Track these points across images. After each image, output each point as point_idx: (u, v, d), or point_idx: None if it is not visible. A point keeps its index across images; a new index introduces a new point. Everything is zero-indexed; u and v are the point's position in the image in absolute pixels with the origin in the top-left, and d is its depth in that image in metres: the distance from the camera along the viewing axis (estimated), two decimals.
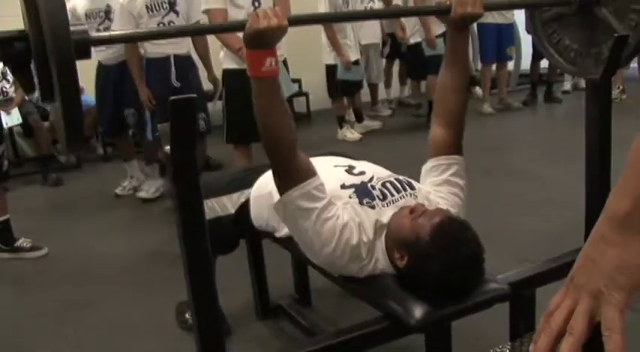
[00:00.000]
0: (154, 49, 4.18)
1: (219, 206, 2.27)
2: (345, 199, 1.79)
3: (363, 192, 1.82)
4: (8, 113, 5.60)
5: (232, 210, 2.24)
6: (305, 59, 6.89)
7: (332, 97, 6.41)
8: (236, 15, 3.60)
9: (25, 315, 3.01)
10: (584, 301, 0.76)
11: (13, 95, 5.75)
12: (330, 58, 6.16)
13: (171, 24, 4.15)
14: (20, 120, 5.82)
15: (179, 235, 1.41)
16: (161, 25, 4.13)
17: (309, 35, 6.72)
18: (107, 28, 4.32)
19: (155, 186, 4.77)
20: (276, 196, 1.97)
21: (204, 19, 4.16)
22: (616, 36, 1.80)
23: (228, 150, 4.12)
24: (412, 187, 1.88)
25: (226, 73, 3.80)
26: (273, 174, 1.77)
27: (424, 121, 6.43)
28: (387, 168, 2.05)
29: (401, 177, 1.93)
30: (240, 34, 3.46)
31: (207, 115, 4.40)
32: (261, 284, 2.68)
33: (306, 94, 7.71)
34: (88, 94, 5.56)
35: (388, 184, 1.87)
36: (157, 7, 4.14)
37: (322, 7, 5.97)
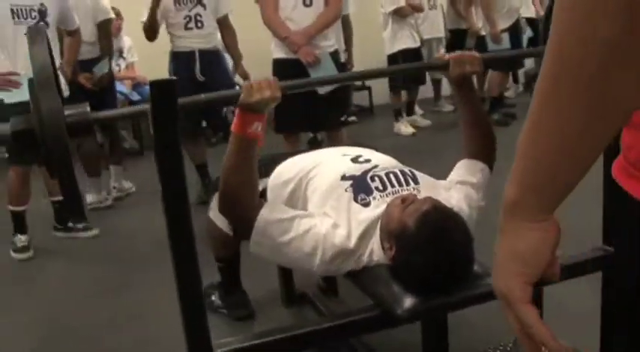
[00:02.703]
0: (180, 42, 4.15)
1: None
2: (340, 191, 1.80)
3: (360, 187, 1.82)
4: None
5: None
6: (368, 53, 6.90)
7: (392, 90, 6.37)
8: (285, 4, 3.67)
9: (65, 293, 3.16)
10: (503, 306, 0.75)
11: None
12: (393, 47, 6.12)
13: (198, 16, 4.10)
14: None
15: (165, 216, 1.44)
16: (187, 18, 4.08)
17: (370, 29, 6.74)
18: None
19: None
20: (291, 186, 2.00)
21: (232, 12, 4.25)
22: None
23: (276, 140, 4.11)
24: (416, 181, 1.86)
25: (275, 62, 3.85)
26: (230, 223, 1.85)
27: None
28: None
29: (406, 170, 1.91)
30: (288, 23, 3.63)
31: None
32: (285, 271, 2.69)
33: (368, 88, 7.70)
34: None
35: (391, 175, 1.86)
36: (185, 1, 4.08)
37: None
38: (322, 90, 3.67)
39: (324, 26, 3.71)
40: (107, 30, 4.59)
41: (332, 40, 3.86)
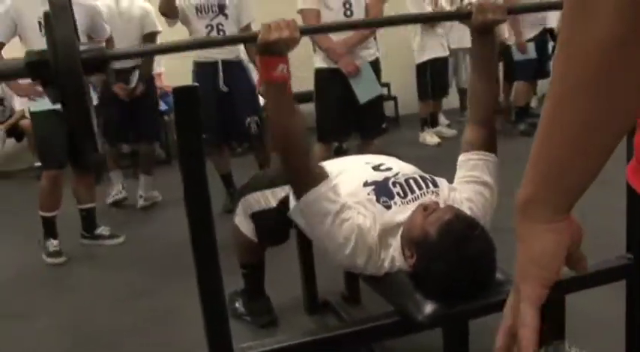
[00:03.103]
0: (202, 53, 4.05)
1: (264, 199, 2.34)
2: (363, 196, 1.82)
3: (382, 191, 1.84)
4: None
5: (274, 204, 2.31)
6: (395, 63, 6.90)
7: (421, 98, 6.37)
8: (327, 16, 3.73)
9: (90, 299, 3.21)
10: (511, 297, 0.76)
11: None
12: (422, 56, 6.12)
13: (220, 26, 4.08)
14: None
15: (187, 220, 1.47)
16: (209, 27, 4.08)
17: (398, 39, 6.75)
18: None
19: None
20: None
21: (254, 22, 4.20)
22: None
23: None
24: (435, 185, 1.87)
25: (317, 71, 3.93)
26: (288, 180, 1.82)
27: (510, 128, 6.28)
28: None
29: (426, 175, 1.93)
30: (330, 34, 3.66)
31: (260, 118, 4.21)
32: (308, 278, 2.71)
33: (394, 98, 7.69)
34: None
35: (411, 181, 1.87)
36: (206, 10, 4.07)
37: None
38: (362, 99, 3.77)
39: (364, 36, 3.80)
40: (153, 42, 4.59)
41: (372, 49, 3.96)
